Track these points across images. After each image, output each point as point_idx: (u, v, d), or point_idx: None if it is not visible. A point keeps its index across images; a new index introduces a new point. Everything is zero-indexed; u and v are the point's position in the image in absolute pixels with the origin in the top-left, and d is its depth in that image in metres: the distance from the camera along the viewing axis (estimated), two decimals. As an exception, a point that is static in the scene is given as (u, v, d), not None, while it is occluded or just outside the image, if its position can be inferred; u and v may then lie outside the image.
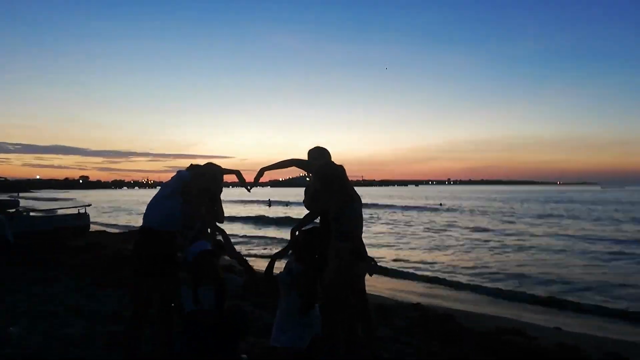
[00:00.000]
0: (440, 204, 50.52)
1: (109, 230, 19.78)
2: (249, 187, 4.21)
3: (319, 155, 4.15)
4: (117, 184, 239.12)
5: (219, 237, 4.03)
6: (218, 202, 4.41)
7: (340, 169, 3.73)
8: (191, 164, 4.09)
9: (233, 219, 28.29)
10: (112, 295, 6.64)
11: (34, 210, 14.26)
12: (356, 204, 3.68)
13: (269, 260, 4.34)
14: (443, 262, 12.80)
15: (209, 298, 3.65)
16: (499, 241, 17.93)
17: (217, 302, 3.70)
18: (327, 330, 3.90)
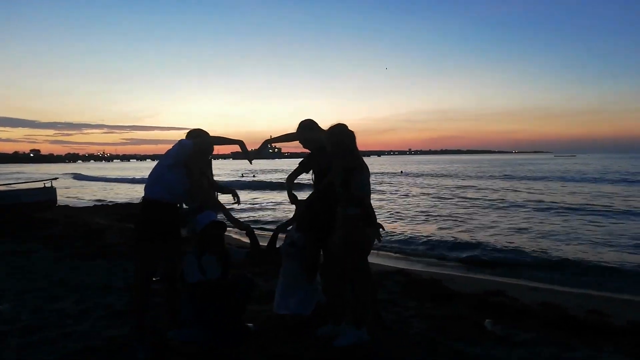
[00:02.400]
0: (401, 172, 52.57)
1: (73, 204, 19.19)
2: (251, 159, 4.16)
3: (308, 127, 4.17)
4: (72, 157, 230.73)
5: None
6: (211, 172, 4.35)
7: (351, 132, 3.72)
8: (191, 130, 3.99)
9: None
10: (96, 266, 6.49)
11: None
12: (365, 171, 3.69)
13: (273, 232, 4.36)
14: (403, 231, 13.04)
15: (213, 268, 3.64)
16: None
17: (222, 271, 3.70)
18: (332, 296, 3.96)
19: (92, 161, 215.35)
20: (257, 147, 4.26)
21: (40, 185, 13.42)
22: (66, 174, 47.32)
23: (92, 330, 4.00)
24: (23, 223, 10.22)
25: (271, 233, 4.39)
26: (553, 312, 4.97)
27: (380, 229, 3.81)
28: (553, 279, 7.87)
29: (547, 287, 7.14)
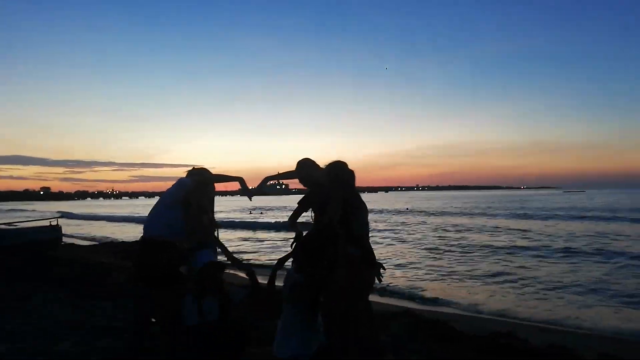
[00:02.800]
0: (407, 208, 52.27)
1: (78, 242, 19.23)
2: (251, 196, 4.17)
3: (308, 166, 4.18)
4: (81, 195, 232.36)
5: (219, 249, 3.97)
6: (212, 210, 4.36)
7: (351, 171, 3.74)
8: (192, 169, 4.02)
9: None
10: (99, 307, 6.42)
11: (0, 223, 13.63)
12: (364, 210, 3.68)
13: (271, 270, 4.30)
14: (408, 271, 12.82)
15: (212, 310, 3.59)
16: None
17: (222, 314, 3.64)
18: (334, 338, 3.88)
19: (101, 198, 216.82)
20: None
21: (46, 223, 13.48)
22: (59, 211, 47.28)
23: (89, 373, 3.92)
24: (28, 262, 10.21)
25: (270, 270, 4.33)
26: (562, 355, 4.84)
27: (381, 269, 3.76)
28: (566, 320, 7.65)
29: (559, 329, 6.97)
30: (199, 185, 3.77)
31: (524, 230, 23.25)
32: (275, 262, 4.29)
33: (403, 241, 19.86)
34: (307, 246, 4.10)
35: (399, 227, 27.05)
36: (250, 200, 4.26)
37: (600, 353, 5.09)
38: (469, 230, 24.47)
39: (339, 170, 3.71)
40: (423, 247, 17.70)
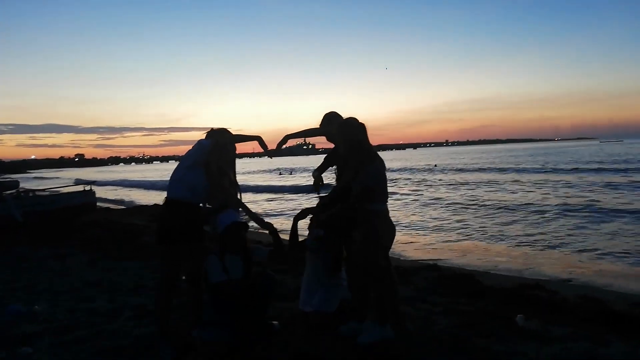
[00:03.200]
0: (435, 165, 50.98)
1: (113, 207, 19.81)
2: (271, 154, 4.15)
3: (332, 119, 4.10)
4: (114, 161, 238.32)
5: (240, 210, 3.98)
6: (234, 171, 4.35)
7: (361, 125, 3.66)
8: (210, 130, 3.99)
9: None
10: (129, 267, 6.65)
11: (36, 190, 14.10)
12: (376, 165, 3.61)
13: (292, 225, 4.31)
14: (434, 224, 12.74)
15: (235, 267, 3.64)
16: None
17: (245, 271, 3.69)
18: (356, 293, 3.91)
19: (133, 163, 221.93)
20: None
21: (80, 188, 13.88)
22: (70, 178, 48.10)
23: (122, 329, 4.08)
24: (63, 227, 10.60)
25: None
26: (592, 305, 4.74)
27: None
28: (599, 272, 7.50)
29: (589, 280, 6.84)
30: (218, 147, 3.75)
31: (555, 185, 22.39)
32: (294, 217, 4.31)
33: (428, 202, 19.42)
34: (325, 206, 4.11)
35: (421, 188, 26.15)
36: (271, 158, 4.24)
37: (632, 304, 4.97)
38: (497, 186, 23.78)
39: (348, 128, 3.65)
40: (448, 206, 17.35)
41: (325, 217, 4.07)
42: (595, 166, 33.34)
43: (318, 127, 4.23)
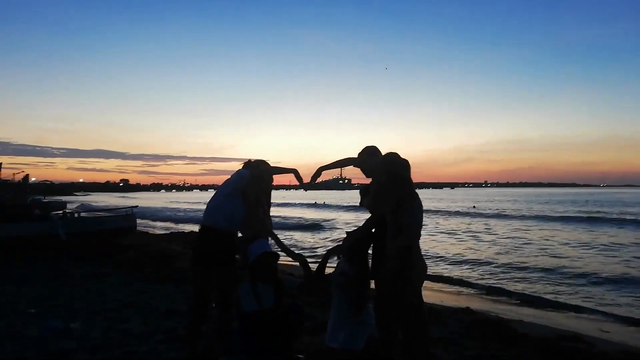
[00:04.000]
0: (474, 207, 49.69)
1: (152, 231, 20.34)
2: (306, 187, 4.21)
3: (371, 153, 4.11)
4: (156, 187, 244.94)
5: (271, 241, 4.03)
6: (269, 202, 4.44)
7: (405, 161, 3.68)
8: (248, 161, 4.10)
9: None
10: (162, 290, 6.78)
11: (81, 211, 14.71)
12: (417, 203, 3.61)
13: (322, 258, 4.33)
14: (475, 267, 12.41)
15: (267, 296, 3.67)
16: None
17: (276, 302, 3.71)
18: (383, 330, 3.85)
19: (174, 190, 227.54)
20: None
21: (122, 213, 14.38)
22: (75, 202, 47.84)
23: (153, 351, 4.16)
24: (103, 248, 10.95)
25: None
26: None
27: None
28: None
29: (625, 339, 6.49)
30: (256, 178, 3.84)
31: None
32: (326, 251, 4.33)
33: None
34: (357, 239, 4.11)
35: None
36: (305, 191, 4.30)
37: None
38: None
39: (395, 165, 3.66)
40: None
41: (347, 245, 4.03)
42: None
43: (349, 158, 4.22)
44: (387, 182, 3.62)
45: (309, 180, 4.17)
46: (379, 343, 3.91)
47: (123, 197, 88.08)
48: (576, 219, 29.60)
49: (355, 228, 4.17)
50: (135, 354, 4.08)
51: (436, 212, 35.72)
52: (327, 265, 4.20)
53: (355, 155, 4.22)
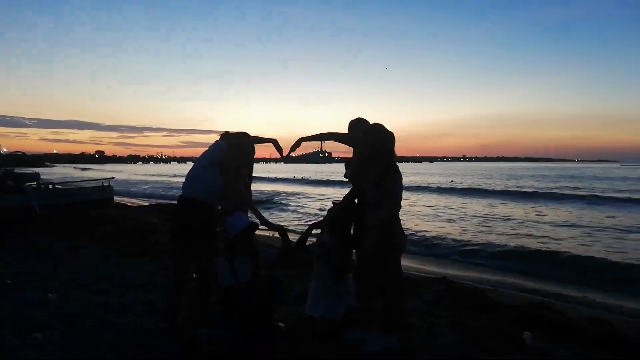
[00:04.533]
0: (452, 181, 50.36)
1: (129, 203, 20.08)
2: (285, 159, 4.17)
3: (358, 125, 4.07)
4: (133, 159, 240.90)
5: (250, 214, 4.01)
6: (250, 174, 4.40)
7: (390, 133, 3.67)
8: (225, 132, 4.04)
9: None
10: (141, 264, 6.75)
11: (56, 183, 14.37)
12: (399, 176, 3.63)
13: (305, 230, 4.35)
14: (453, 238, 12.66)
15: (244, 270, 3.67)
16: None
17: (254, 275, 3.72)
18: (362, 300, 3.91)
19: (151, 162, 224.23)
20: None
21: (98, 184, 14.10)
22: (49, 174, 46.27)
23: (130, 324, 4.15)
24: (79, 220, 10.77)
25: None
26: (599, 328, 4.69)
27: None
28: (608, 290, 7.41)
29: (600, 301, 6.77)
30: (235, 149, 3.79)
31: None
32: (310, 224, 4.35)
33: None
34: (340, 210, 4.13)
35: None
36: (284, 163, 4.26)
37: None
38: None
39: (379, 134, 3.64)
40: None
41: (331, 216, 4.05)
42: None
43: (334, 132, 4.18)
44: (372, 154, 3.62)
45: (288, 151, 4.14)
46: (358, 312, 3.98)
47: (100, 169, 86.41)
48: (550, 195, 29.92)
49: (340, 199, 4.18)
50: (113, 326, 4.06)
51: (416, 187, 35.79)
52: (309, 237, 4.24)
53: (338, 131, 4.19)
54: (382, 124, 3.74)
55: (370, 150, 3.61)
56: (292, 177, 52.75)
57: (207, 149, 3.81)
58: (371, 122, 3.88)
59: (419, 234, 12.99)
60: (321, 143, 4.54)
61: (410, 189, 31.93)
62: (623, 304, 6.72)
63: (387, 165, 3.58)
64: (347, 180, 4.13)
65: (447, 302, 5.34)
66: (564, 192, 31.28)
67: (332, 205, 4.19)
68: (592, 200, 26.00)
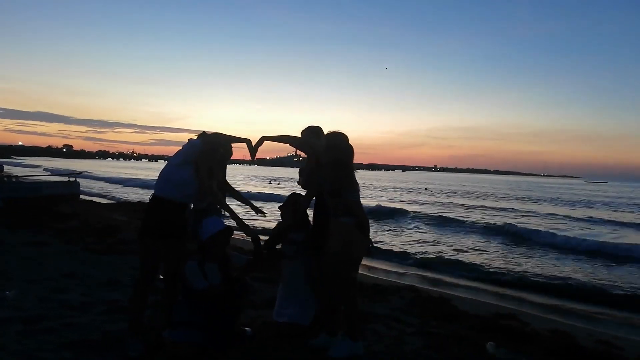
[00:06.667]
0: (426, 188, 51.52)
1: (96, 200, 19.60)
2: (253, 159, 4.15)
3: (312, 134, 4.09)
4: (102, 155, 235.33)
5: (225, 213, 3.97)
6: (224, 173, 4.36)
7: (350, 147, 3.73)
8: (203, 132, 3.99)
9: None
10: (106, 261, 6.59)
11: (21, 176, 13.95)
12: (356, 187, 3.70)
13: (271, 234, 4.32)
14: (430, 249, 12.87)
15: (213, 273, 3.62)
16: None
17: (223, 277, 3.67)
18: (326, 306, 3.91)
19: (121, 159, 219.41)
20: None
21: (64, 179, 13.76)
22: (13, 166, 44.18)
23: (92, 323, 4.04)
24: (43, 215, 10.46)
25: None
26: (560, 339, 4.82)
27: (371, 244, 3.78)
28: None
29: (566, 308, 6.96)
30: (209, 148, 3.74)
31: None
32: (275, 226, 4.32)
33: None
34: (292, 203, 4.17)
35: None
36: (253, 160, 4.22)
37: (597, 340, 5.07)
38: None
39: (337, 150, 3.69)
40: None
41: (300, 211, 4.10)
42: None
43: (291, 135, 4.16)
44: (328, 165, 3.65)
45: (253, 149, 4.09)
46: (320, 317, 3.97)
47: (68, 163, 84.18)
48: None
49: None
50: (74, 325, 3.94)
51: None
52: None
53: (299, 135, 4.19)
54: (343, 133, 3.79)
55: (327, 163, 3.65)
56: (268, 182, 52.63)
57: (181, 147, 3.76)
58: (347, 131, 3.90)
59: (389, 243, 13.10)
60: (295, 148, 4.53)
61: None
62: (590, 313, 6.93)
63: (343, 180, 3.62)
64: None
65: (414, 310, 5.38)
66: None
67: (278, 208, 4.24)
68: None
